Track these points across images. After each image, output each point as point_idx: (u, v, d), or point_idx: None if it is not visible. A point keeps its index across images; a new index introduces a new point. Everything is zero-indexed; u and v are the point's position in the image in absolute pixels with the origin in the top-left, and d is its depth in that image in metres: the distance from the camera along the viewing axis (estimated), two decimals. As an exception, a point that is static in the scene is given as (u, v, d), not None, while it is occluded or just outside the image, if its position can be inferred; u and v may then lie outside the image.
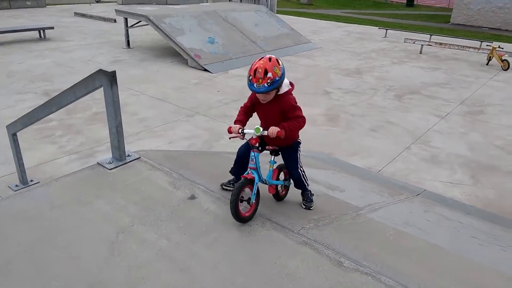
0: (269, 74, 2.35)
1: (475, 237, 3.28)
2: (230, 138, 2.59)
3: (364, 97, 8.00)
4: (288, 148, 2.69)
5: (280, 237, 2.41)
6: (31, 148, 5.27)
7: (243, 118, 2.68)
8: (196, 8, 12.32)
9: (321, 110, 7.17)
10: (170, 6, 14.60)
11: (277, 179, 2.81)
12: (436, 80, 9.36)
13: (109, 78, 2.91)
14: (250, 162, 2.50)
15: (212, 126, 6.25)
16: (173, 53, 10.31)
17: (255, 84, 2.38)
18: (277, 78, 2.39)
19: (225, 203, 2.64)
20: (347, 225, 2.76)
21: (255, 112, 2.72)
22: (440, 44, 12.28)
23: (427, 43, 12.33)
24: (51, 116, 6.40)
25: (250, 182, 2.46)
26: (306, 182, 2.83)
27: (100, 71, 2.94)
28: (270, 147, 2.66)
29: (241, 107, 2.73)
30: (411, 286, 2.03)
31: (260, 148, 2.56)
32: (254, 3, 14.65)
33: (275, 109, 2.55)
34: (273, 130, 2.42)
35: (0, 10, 18.57)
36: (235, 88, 8.12)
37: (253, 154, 2.50)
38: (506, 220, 4.15)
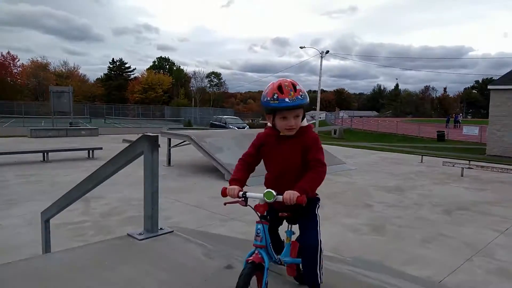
0: (299, 87, 1.96)
1: None
2: (225, 204, 1.97)
3: (410, 211, 7.50)
4: (304, 208, 1.95)
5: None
6: (59, 244, 5.05)
7: (242, 176, 2.06)
8: (234, 131, 13.08)
9: (363, 220, 6.70)
10: (211, 129, 15.60)
11: (298, 256, 2.09)
12: (485, 199, 8.78)
13: (151, 143, 2.87)
14: (256, 238, 1.88)
15: (247, 230, 5.90)
16: (211, 169, 10.55)
17: (286, 99, 1.91)
18: (306, 94, 2.00)
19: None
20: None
21: (262, 160, 2.14)
22: (482, 167, 11.94)
23: (467, 166, 12.05)
24: (85, 218, 6.39)
25: (259, 268, 1.81)
26: (320, 270, 2.00)
27: (143, 136, 2.93)
28: (284, 214, 2.01)
29: (240, 159, 2.15)
30: None
31: (268, 217, 1.93)
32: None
33: (295, 147, 2.00)
34: (292, 195, 1.79)
35: (58, 137, 20.59)
36: (272, 199, 7.91)
37: (259, 227, 1.89)
38: None
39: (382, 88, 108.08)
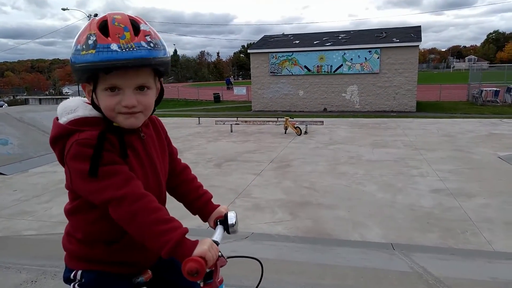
0: (145, 27, 1.09)
1: (298, 251, 3.37)
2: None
3: (185, 170, 8.04)
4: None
5: None
6: None
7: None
8: (-18, 112, 10.73)
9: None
10: None
11: None
12: (248, 149, 10.28)
13: None
14: None
15: (7, 225, 5.06)
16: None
17: (114, 45, 1.01)
18: (162, 42, 1.12)
19: None
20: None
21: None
22: (246, 122, 13.83)
23: (235, 122, 13.72)
24: None
25: None
26: None
27: None
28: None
29: (147, 196, 1.11)
30: None
31: None
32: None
33: (163, 141, 1.35)
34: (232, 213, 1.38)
35: None
36: (36, 185, 7.00)
37: None
38: (323, 239, 4.49)
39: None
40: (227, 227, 1.34)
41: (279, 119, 14.34)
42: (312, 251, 3.35)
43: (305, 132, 12.66)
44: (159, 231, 1.04)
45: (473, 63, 60.16)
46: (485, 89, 22.48)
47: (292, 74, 22.51)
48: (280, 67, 22.67)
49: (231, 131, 13.40)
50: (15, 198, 6.22)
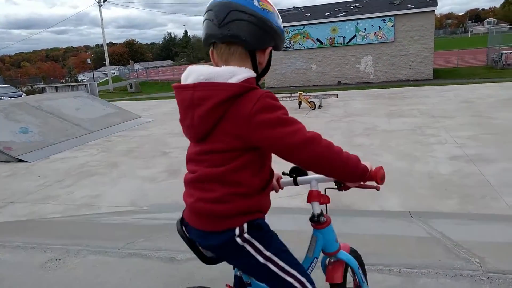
0: None
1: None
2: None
3: (202, 149, 8.12)
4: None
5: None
6: None
7: None
8: (1, 102, 10.99)
9: (161, 168, 6.90)
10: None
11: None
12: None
13: None
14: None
15: (33, 210, 5.26)
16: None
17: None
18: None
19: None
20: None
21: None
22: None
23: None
24: None
25: None
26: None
27: None
28: None
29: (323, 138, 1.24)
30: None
31: None
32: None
33: None
34: None
35: None
36: (58, 170, 7.21)
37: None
38: (343, 210, 4.49)
39: (173, 36, 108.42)
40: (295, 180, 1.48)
41: (293, 94, 14.20)
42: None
43: (320, 106, 12.54)
44: (353, 165, 1.23)
45: (492, 26, 57.79)
46: (505, 52, 21.66)
47: (305, 48, 22.13)
48: (292, 41, 22.29)
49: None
50: (39, 184, 6.43)
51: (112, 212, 4.93)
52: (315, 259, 1.41)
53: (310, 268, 1.38)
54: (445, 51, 31.34)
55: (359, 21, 20.63)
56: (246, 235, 1.19)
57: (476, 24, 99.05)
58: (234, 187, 1.19)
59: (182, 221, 1.33)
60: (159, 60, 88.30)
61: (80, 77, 51.38)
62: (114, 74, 52.33)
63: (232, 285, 1.38)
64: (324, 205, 1.40)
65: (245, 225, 1.20)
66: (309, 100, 12.39)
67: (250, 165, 1.21)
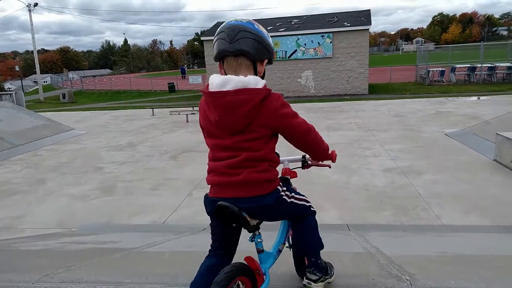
0: None
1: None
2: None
3: (140, 164, 7.75)
4: None
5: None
6: None
7: None
8: None
9: (93, 185, 6.46)
10: None
11: None
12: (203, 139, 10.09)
13: None
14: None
15: None
16: None
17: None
18: None
19: None
20: (113, 260, 2.26)
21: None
22: (202, 111, 13.58)
23: (190, 112, 13.43)
24: None
25: None
26: None
27: None
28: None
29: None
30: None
31: None
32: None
33: None
34: None
35: None
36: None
37: None
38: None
39: (111, 44, 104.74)
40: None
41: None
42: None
43: (262, 119, 12.65)
44: (326, 148, 1.87)
45: (420, 45, 62.81)
46: (431, 69, 23.57)
47: (247, 61, 22.38)
48: (234, 54, 22.44)
49: (187, 121, 13.12)
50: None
51: (35, 235, 4.47)
52: None
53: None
54: (379, 67, 33.42)
55: (299, 36, 21.32)
56: (284, 190, 1.73)
57: (406, 42, 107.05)
58: (270, 161, 1.66)
59: (221, 206, 1.57)
60: (96, 69, 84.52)
61: (7, 85, 47.41)
62: (45, 83, 49.09)
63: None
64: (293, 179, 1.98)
65: (281, 184, 1.73)
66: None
67: (272, 147, 1.69)
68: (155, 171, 7.16)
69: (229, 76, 1.54)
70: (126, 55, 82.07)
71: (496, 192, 5.16)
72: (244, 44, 1.54)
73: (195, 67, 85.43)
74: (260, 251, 1.74)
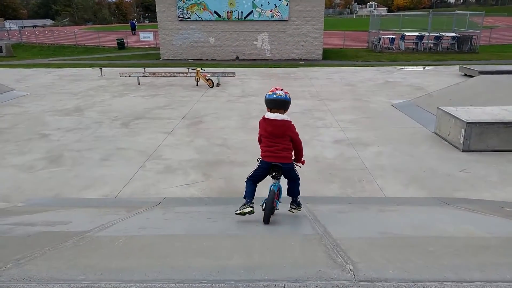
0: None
1: (210, 217, 3.41)
2: None
3: (89, 131, 7.45)
4: None
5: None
6: None
7: None
8: None
9: (39, 154, 6.16)
10: None
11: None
12: (158, 104, 9.85)
13: None
14: None
15: None
16: None
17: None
18: None
19: None
20: (64, 249, 2.25)
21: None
22: (154, 74, 13.10)
23: (142, 74, 12.91)
24: None
25: None
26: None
27: None
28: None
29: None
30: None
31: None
32: None
33: None
34: None
35: None
36: None
37: None
38: (236, 199, 4.60)
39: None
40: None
41: (190, 70, 13.83)
42: (223, 215, 3.41)
43: (218, 84, 12.48)
44: (302, 155, 3.27)
45: (374, 9, 63.66)
46: (382, 36, 24.13)
47: (202, 20, 21.55)
48: (188, 11, 21.49)
49: (139, 84, 12.63)
50: None
51: (-24, 212, 4.25)
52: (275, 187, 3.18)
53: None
54: (333, 32, 33.62)
55: (256, -4, 20.75)
56: (294, 163, 3.16)
57: (361, 6, 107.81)
58: (290, 150, 3.10)
59: (275, 165, 3.06)
60: (36, 19, 77.41)
61: None
62: (-23, 33, 44.31)
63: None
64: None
65: (292, 159, 3.15)
66: (207, 78, 12.22)
67: (291, 145, 3.11)
68: (105, 140, 6.93)
69: (276, 114, 3.04)
70: (70, 4, 75.72)
71: (433, 164, 5.60)
72: (282, 105, 3.08)
73: (146, 21, 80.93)
74: (277, 188, 3.16)
